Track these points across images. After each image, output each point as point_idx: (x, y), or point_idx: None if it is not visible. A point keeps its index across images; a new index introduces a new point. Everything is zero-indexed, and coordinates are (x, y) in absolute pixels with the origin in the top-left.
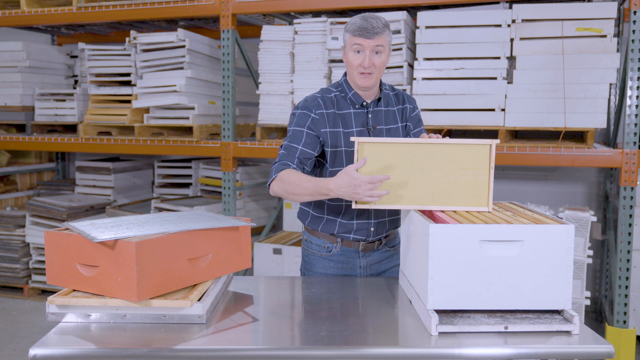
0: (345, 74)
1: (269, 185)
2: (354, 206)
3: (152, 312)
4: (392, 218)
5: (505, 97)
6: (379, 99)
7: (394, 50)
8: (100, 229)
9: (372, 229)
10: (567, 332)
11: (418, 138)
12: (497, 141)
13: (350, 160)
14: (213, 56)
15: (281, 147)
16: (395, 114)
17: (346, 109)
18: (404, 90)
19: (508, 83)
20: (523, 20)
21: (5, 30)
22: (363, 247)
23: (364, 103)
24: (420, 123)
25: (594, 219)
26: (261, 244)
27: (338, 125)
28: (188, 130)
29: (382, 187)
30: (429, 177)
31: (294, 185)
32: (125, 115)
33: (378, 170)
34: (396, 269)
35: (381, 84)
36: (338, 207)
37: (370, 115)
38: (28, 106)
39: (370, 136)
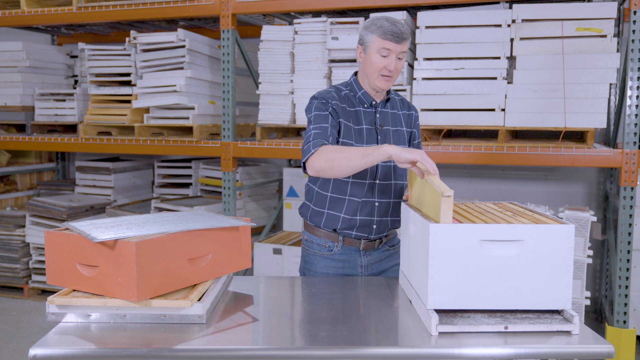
0: (355, 74)
1: (305, 163)
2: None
3: (152, 312)
4: (393, 219)
5: (505, 97)
6: (387, 100)
7: None
8: (100, 229)
9: (374, 226)
10: (567, 332)
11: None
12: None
13: None
14: (213, 56)
15: (306, 132)
16: (401, 118)
17: (356, 106)
18: (404, 90)
19: (508, 83)
20: (523, 20)
21: (5, 30)
22: (364, 245)
23: (373, 102)
24: (419, 133)
25: (594, 219)
26: (261, 244)
27: (349, 121)
28: (188, 130)
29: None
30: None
31: (343, 150)
32: (125, 115)
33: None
34: (395, 268)
35: None
36: (340, 202)
37: (378, 115)
38: (28, 106)
39: (377, 134)
